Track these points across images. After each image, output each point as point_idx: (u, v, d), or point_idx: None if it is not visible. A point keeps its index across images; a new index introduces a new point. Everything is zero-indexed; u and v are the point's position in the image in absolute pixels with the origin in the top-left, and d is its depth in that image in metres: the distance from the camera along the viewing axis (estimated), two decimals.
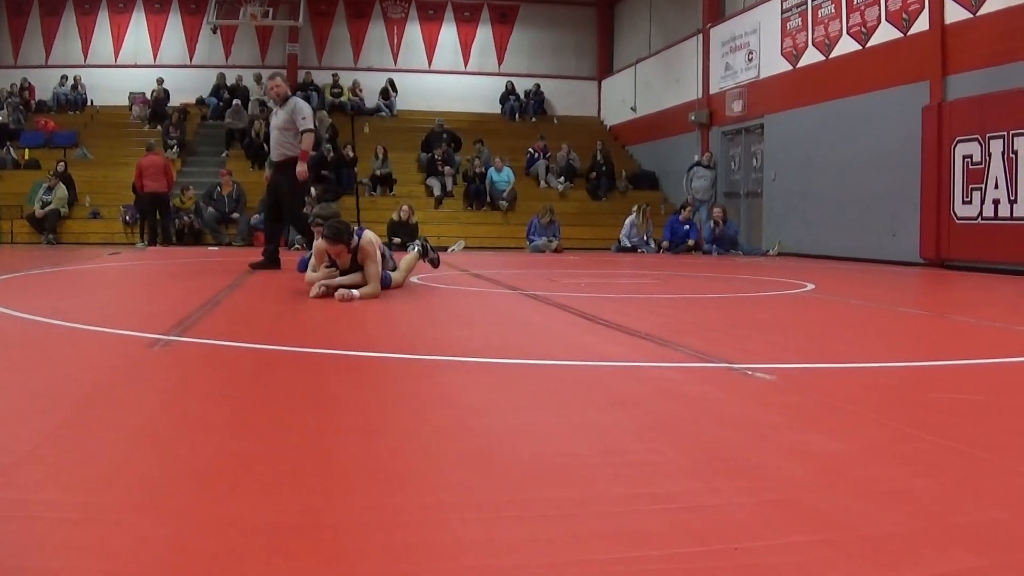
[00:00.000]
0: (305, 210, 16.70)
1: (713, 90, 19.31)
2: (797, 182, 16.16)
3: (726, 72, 18.79)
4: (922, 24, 13.08)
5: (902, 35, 13.54)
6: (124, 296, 7.99)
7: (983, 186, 11.75)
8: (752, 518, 1.94)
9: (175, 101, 22.64)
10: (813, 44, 15.86)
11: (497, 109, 25.37)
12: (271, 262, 9.92)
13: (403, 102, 24.75)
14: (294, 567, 1.63)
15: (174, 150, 20.41)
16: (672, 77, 21.30)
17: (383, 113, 24.47)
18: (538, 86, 25.64)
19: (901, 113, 13.26)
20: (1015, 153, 11.23)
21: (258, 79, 23.46)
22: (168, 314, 5.84)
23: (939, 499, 2.11)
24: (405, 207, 17.12)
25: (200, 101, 23.22)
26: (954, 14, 12.49)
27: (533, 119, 25.16)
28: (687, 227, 17.67)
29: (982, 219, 11.80)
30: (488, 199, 20.08)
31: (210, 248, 16.62)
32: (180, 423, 2.83)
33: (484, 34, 25.91)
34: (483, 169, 20.31)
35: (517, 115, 25.25)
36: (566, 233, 18.04)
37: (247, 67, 23.90)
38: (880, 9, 14.04)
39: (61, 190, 17.89)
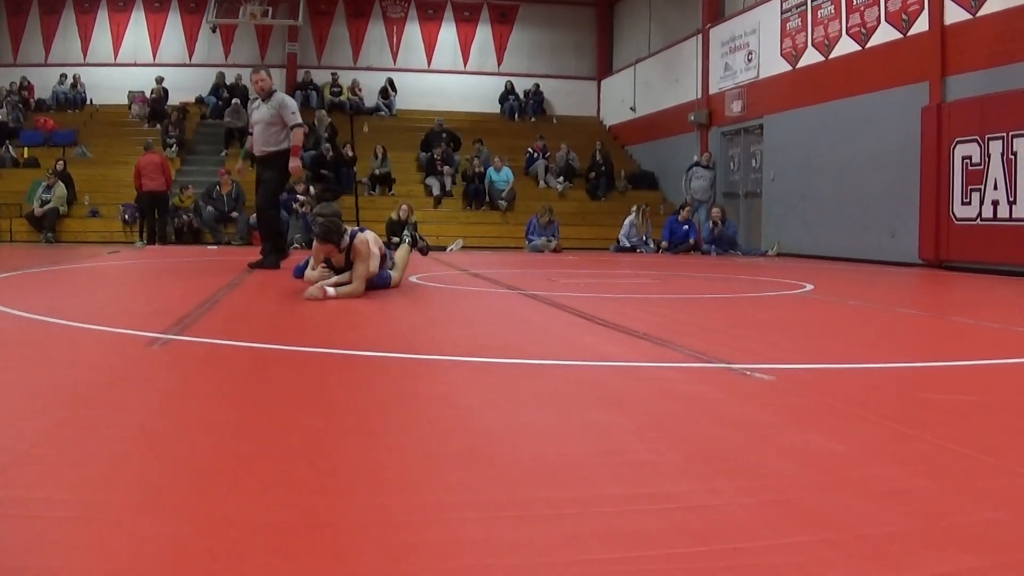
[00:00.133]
0: (303, 209, 16.88)
1: (712, 90, 19.32)
2: (796, 183, 16.17)
3: (725, 72, 18.80)
4: (922, 25, 13.09)
5: (902, 36, 13.55)
6: (123, 295, 7.99)
7: (982, 187, 11.76)
8: (751, 518, 1.94)
9: (174, 100, 22.65)
10: (813, 45, 15.87)
11: (496, 109, 25.38)
12: (268, 263, 9.87)
13: (402, 102, 24.76)
14: (293, 566, 1.63)
15: (173, 149, 20.41)
16: (671, 77, 21.30)
17: (382, 112, 24.48)
18: (537, 86, 25.65)
19: (900, 114, 13.26)
20: (1014, 154, 11.24)
21: None
22: (167, 313, 5.84)
23: (938, 499, 2.11)
24: (404, 206, 17.12)
25: (199, 100, 23.23)
26: (954, 15, 12.50)
27: (532, 119, 25.17)
28: (686, 227, 17.67)
29: (981, 220, 11.81)
30: (487, 199, 20.09)
31: (209, 247, 16.61)
32: (179, 422, 2.83)
33: (484, 34, 25.92)
34: (482, 169, 20.32)
35: (516, 115, 25.26)
36: (565, 233, 18.05)
37: (246, 66, 23.76)
38: (880, 10, 14.05)
39: (60, 189, 17.88)
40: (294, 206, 17.28)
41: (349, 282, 6.78)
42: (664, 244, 17.63)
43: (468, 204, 20.21)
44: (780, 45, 16.84)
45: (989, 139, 11.62)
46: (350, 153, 20.20)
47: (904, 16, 13.48)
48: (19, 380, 3.49)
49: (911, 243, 13.03)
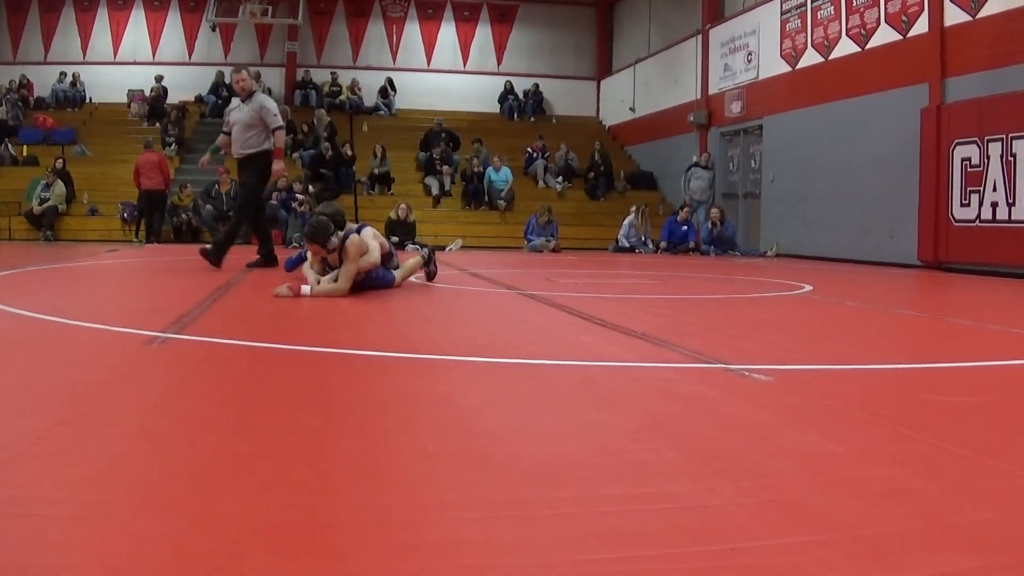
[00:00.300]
0: (302, 208, 16.87)
1: (712, 91, 19.32)
2: (795, 183, 16.17)
3: (725, 73, 18.80)
4: (921, 26, 13.09)
5: (901, 37, 13.55)
6: (122, 293, 7.98)
7: (981, 189, 11.76)
8: (750, 518, 1.95)
9: (174, 99, 22.64)
10: (812, 45, 15.87)
11: (496, 109, 25.38)
12: (267, 262, 9.89)
13: (402, 101, 24.76)
14: (292, 566, 1.63)
15: (172, 148, 20.40)
16: (671, 78, 21.31)
17: (382, 112, 24.48)
18: (537, 86, 25.65)
19: (900, 115, 13.27)
20: (1014, 156, 11.24)
21: (257, 77, 23.42)
22: (166, 311, 5.83)
23: (937, 500, 2.11)
24: (403, 205, 17.12)
25: (199, 99, 23.23)
26: (953, 16, 12.50)
27: (532, 119, 25.17)
28: (685, 228, 17.67)
29: (980, 222, 11.81)
30: (486, 198, 20.09)
31: (208, 246, 16.56)
32: (178, 421, 2.83)
33: (483, 33, 25.92)
34: (481, 168, 20.32)
35: (516, 115, 25.27)
36: (564, 233, 18.05)
37: (246, 65, 23.83)
38: (879, 11, 14.05)
39: (59, 187, 17.88)
40: (293, 205, 17.29)
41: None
42: (663, 244, 17.63)
43: (467, 204, 20.21)
44: (780, 46, 16.84)
45: (988, 141, 11.63)
46: (349, 152, 20.20)
47: (904, 17, 13.48)
48: (18, 378, 3.49)
49: (910, 244, 13.04)
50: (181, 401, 3.16)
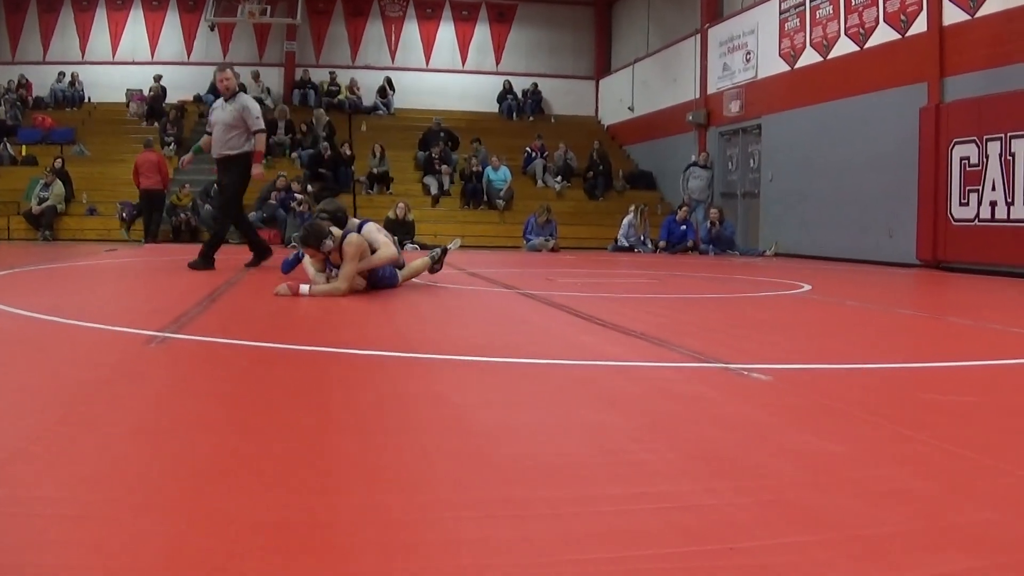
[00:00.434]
0: (301, 208, 16.86)
1: (711, 90, 19.33)
2: (794, 183, 16.17)
3: (724, 72, 18.80)
4: (920, 26, 13.10)
5: (900, 36, 13.56)
6: (121, 293, 7.98)
7: (980, 188, 11.76)
8: (749, 518, 1.94)
9: (172, 98, 22.63)
10: (811, 45, 15.87)
11: (494, 108, 25.39)
12: (261, 255, 9.87)
13: (400, 100, 24.76)
14: (290, 565, 1.63)
15: (171, 147, 20.40)
16: (670, 77, 21.31)
17: (380, 111, 24.48)
18: (536, 85, 25.65)
19: (898, 114, 13.27)
20: (1012, 155, 11.24)
21: (256, 77, 23.45)
22: (164, 311, 5.83)
23: (937, 500, 2.11)
24: (401, 205, 17.11)
25: (197, 98, 23.20)
26: (952, 16, 12.50)
27: (530, 118, 25.18)
28: (684, 227, 17.67)
29: (979, 221, 11.82)
30: (485, 198, 20.09)
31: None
32: (176, 420, 2.83)
33: (482, 33, 25.92)
34: (480, 168, 20.32)
35: (514, 114, 25.27)
36: (562, 232, 18.06)
37: (245, 64, 23.83)
38: (878, 10, 14.05)
39: (58, 187, 17.87)
40: (292, 205, 17.29)
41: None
42: (662, 244, 17.63)
43: (466, 203, 20.21)
44: (778, 45, 16.84)
45: (987, 140, 11.63)
46: (348, 152, 20.20)
47: (902, 17, 13.48)
48: (17, 378, 3.48)
49: (909, 244, 13.04)
50: (180, 400, 3.16)
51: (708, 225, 17.38)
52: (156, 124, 21.54)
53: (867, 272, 11.99)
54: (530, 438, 2.68)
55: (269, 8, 21.23)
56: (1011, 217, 11.29)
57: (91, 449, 2.43)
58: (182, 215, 17.93)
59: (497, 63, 25.95)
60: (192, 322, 5.12)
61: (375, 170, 20.28)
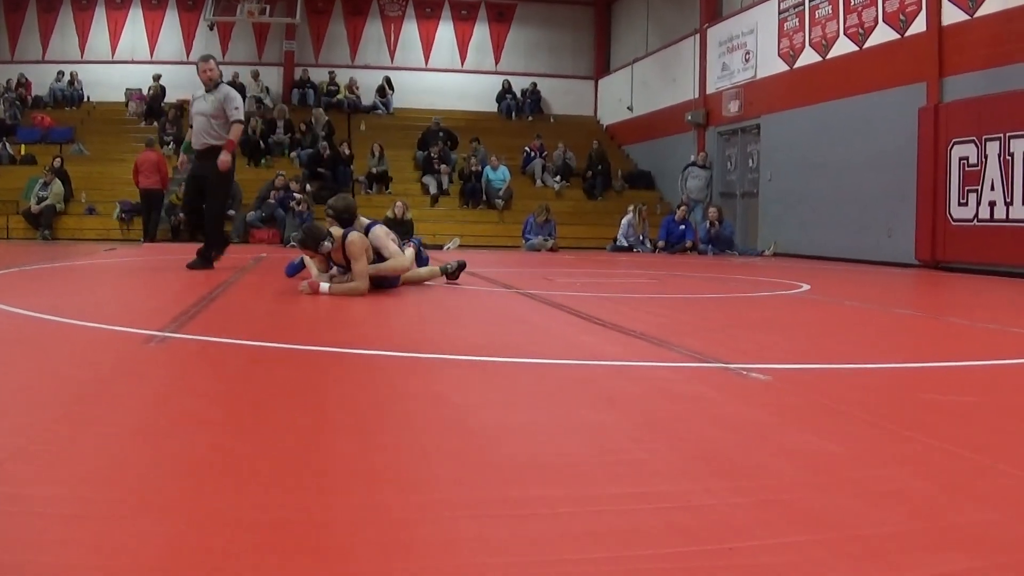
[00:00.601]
0: (300, 207, 16.87)
1: (710, 90, 19.33)
2: (793, 183, 16.18)
3: (723, 72, 18.80)
4: (919, 26, 13.10)
5: (899, 36, 13.56)
6: (119, 292, 7.97)
7: (979, 188, 11.77)
8: (747, 518, 1.94)
9: (171, 97, 22.61)
10: (810, 45, 15.87)
11: (494, 108, 25.39)
12: (208, 257, 9.50)
13: (400, 100, 24.76)
14: (288, 564, 1.63)
15: (170, 147, 20.39)
16: (669, 77, 21.31)
17: (379, 111, 24.48)
18: (535, 85, 25.65)
19: (898, 114, 13.27)
20: (1011, 155, 11.25)
21: (255, 76, 23.46)
22: (163, 310, 5.83)
23: (936, 500, 2.11)
24: (399, 204, 17.10)
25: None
26: (951, 16, 12.51)
27: (529, 118, 25.18)
28: (682, 227, 17.68)
29: (978, 221, 11.82)
30: (484, 197, 20.09)
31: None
32: (175, 419, 2.82)
33: (481, 32, 25.92)
34: (479, 167, 20.32)
35: (513, 114, 25.27)
36: (561, 232, 18.06)
37: (244, 64, 23.90)
38: (877, 10, 14.06)
39: (57, 186, 17.87)
40: (291, 204, 17.29)
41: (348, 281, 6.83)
42: (661, 244, 17.63)
43: (465, 203, 20.20)
44: (778, 45, 16.85)
45: (986, 140, 11.64)
46: (347, 151, 20.21)
47: (902, 17, 13.49)
48: (16, 377, 3.48)
49: (908, 244, 13.05)
50: (179, 400, 3.15)
51: (707, 225, 17.38)
52: (155, 123, 21.53)
53: (866, 272, 11.99)
54: (529, 438, 2.67)
55: (268, 7, 21.23)
56: (1010, 217, 11.30)
57: (90, 448, 2.43)
58: (181, 215, 17.89)
59: (496, 63, 25.96)
60: (191, 321, 5.12)
61: (374, 170, 20.28)
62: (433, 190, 20.49)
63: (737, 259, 15.79)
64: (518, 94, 25.50)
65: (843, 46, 14.98)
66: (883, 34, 13.96)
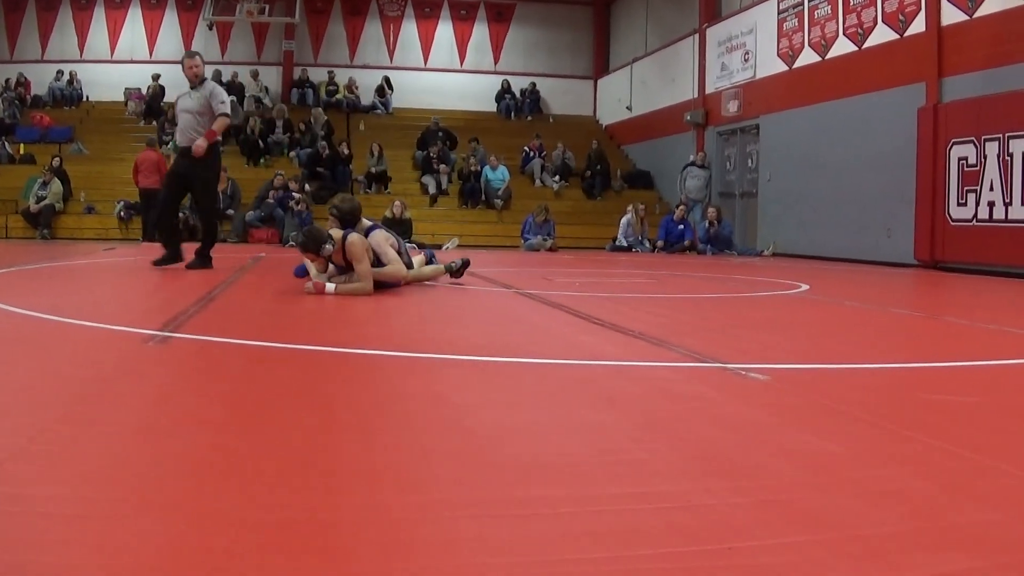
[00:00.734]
0: (299, 207, 16.86)
1: (709, 90, 19.33)
2: (792, 183, 16.18)
3: (722, 72, 18.81)
4: (918, 26, 13.10)
5: (898, 36, 13.56)
6: (119, 292, 7.97)
7: (978, 188, 11.77)
8: (746, 518, 1.95)
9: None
10: (809, 45, 15.88)
11: (493, 107, 25.38)
12: (174, 258, 9.27)
13: (399, 100, 24.75)
14: (291, 564, 1.63)
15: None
16: (668, 77, 21.31)
17: (379, 111, 24.48)
18: (534, 85, 25.65)
19: (897, 115, 13.28)
20: (1010, 155, 11.25)
21: (254, 75, 23.46)
22: (163, 310, 5.84)
23: (936, 500, 2.12)
24: (397, 203, 17.10)
25: None
26: (950, 16, 12.51)
27: (529, 118, 25.17)
28: (681, 227, 17.68)
29: (977, 221, 11.83)
30: (483, 197, 20.08)
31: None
32: (176, 419, 2.83)
33: (480, 32, 25.91)
34: (478, 167, 20.31)
35: (513, 114, 25.27)
36: (560, 232, 18.05)
37: (243, 63, 23.91)
38: (876, 10, 14.06)
39: (56, 185, 17.86)
40: (290, 204, 17.28)
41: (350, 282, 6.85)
42: (660, 244, 17.63)
43: (464, 203, 20.20)
44: (777, 45, 16.85)
45: (985, 140, 11.64)
46: (346, 151, 20.20)
47: (901, 17, 13.49)
48: (16, 377, 3.48)
49: (907, 244, 13.05)
50: (179, 399, 3.16)
51: (706, 225, 17.39)
52: (154, 123, 21.52)
53: (865, 272, 12.00)
54: (530, 438, 2.68)
55: (267, 7, 21.22)
56: (1009, 217, 11.30)
57: (91, 448, 2.43)
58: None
59: (495, 62, 25.95)
60: (190, 321, 5.12)
61: (373, 169, 20.28)
62: (432, 190, 20.48)
63: (736, 259, 15.79)
64: (517, 94, 25.50)
65: (842, 46, 14.98)
66: (882, 34, 13.96)
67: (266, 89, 23.71)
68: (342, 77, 24.49)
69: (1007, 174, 11.31)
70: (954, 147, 12.19)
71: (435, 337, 5.06)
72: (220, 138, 9.34)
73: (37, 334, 4.71)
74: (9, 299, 6.01)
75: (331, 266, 7.05)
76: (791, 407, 3.17)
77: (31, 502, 1.95)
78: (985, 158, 11.66)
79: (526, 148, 22.02)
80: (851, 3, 14.72)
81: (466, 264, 8.40)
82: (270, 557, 1.67)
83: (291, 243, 15.56)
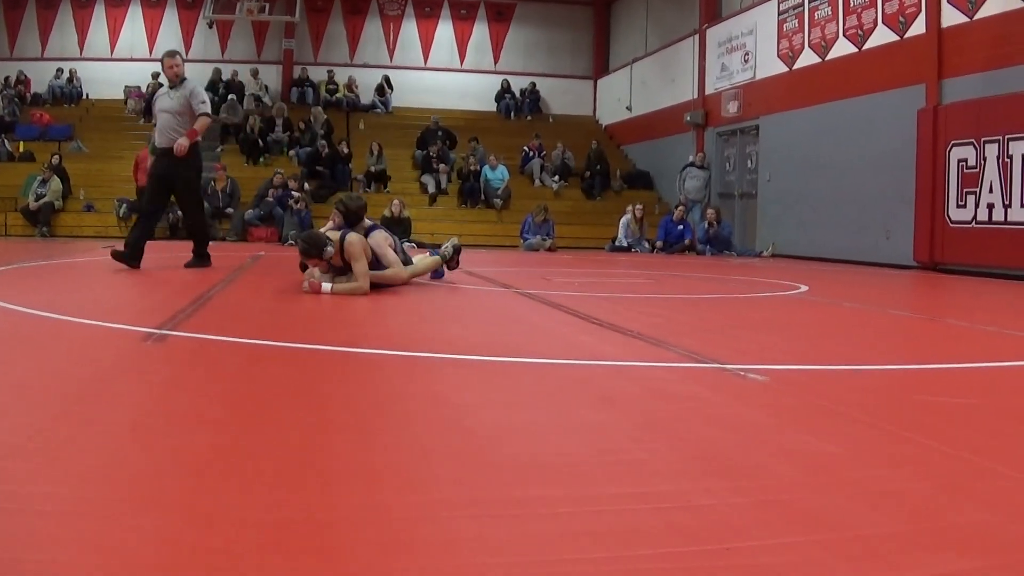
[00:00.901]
0: (299, 206, 16.86)
1: (709, 91, 19.33)
2: (792, 183, 16.18)
3: (722, 73, 18.80)
4: (918, 27, 13.10)
5: (898, 38, 13.56)
6: (118, 290, 7.96)
7: (977, 190, 11.77)
8: (745, 518, 1.95)
9: None
10: (809, 46, 15.88)
11: (492, 107, 25.38)
12: (133, 258, 8.97)
13: (398, 99, 24.75)
14: (287, 563, 1.63)
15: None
16: (668, 77, 21.31)
17: (378, 110, 24.47)
18: (534, 84, 25.65)
19: (896, 116, 13.28)
20: (1010, 157, 11.26)
21: (254, 74, 23.45)
22: (161, 308, 5.83)
23: (934, 501, 2.12)
24: (396, 202, 17.10)
25: None
26: (950, 18, 12.51)
27: (528, 117, 25.17)
28: (680, 227, 17.68)
29: (976, 223, 11.83)
30: (482, 197, 20.07)
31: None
32: (174, 418, 2.82)
33: (480, 32, 25.91)
34: (478, 167, 20.31)
35: (512, 113, 25.26)
36: (559, 232, 18.04)
37: (243, 62, 23.90)
38: (876, 12, 14.06)
39: (55, 183, 17.85)
40: (290, 203, 17.28)
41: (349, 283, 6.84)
42: (659, 244, 17.62)
43: (463, 202, 20.19)
44: (777, 46, 16.85)
45: (985, 142, 11.64)
46: (345, 150, 20.19)
47: (901, 18, 13.49)
48: (13, 375, 3.48)
49: (906, 245, 13.05)
50: (177, 398, 3.15)
51: (705, 225, 17.39)
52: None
53: (864, 273, 12.00)
54: (528, 437, 2.68)
55: (267, 5, 21.21)
56: (1008, 219, 11.31)
57: (88, 446, 2.43)
58: (178, 212, 17.87)
59: (495, 62, 25.95)
60: (189, 319, 5.12)
61: (372, 168, 20.27)
62: (431, 189, 20.48)
63: (735, 260, 15.80)
64: (517, 94, 25.49)
65: (842, 47, 14.98)
66: (882, 36, 13.96)
67: (266, 88, 23.71)
68: (342, 76, 24.49)
69: (1007, 176, 11.31)
70: (954, 149, 12.19)
71: (434, 337, 5.06)
72: (200, 138, 9.25)
73: (35, 332, 4.71)
74: (8, 297, 6.01)
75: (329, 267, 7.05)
76: (790, 408, 3.17)
77: (28, 500, 1.94)
78: (985, 160, 11.66)
79: (526, 148, 22.02)
80: (851, 4, 14.72)
81: (458, 249, 8.37)
82: (268, 557, 1.66)
83: (290, 242, 15.57)
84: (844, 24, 14.91)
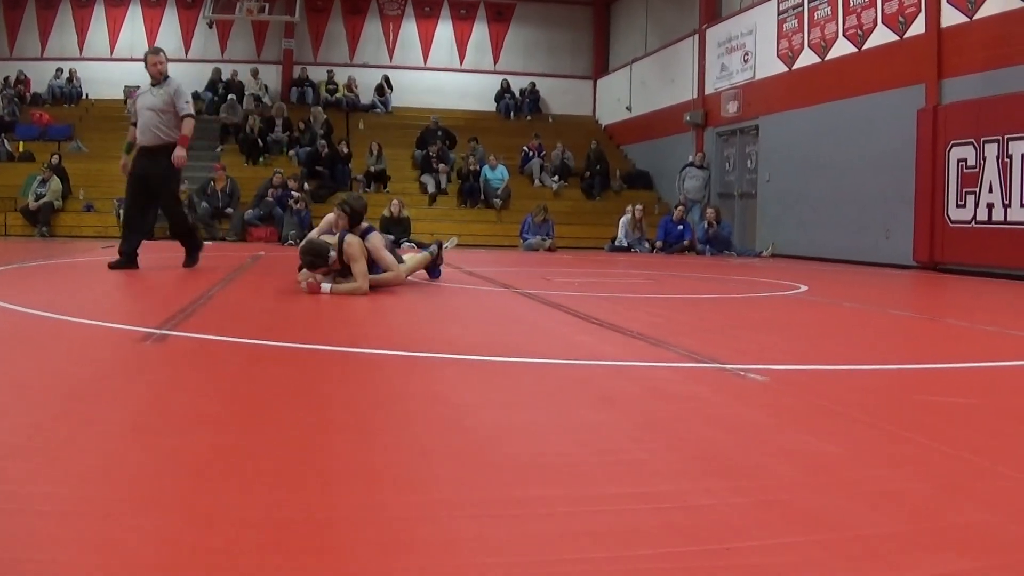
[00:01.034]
0: (298, 206, 16.85)
1: (708, 91, 19.33)
2: (792, 183, 16.18)
3: (722, 73, 18.80)
4: (918, 27, 13.10)
5: (898, 38, 13.56)
6: (117, 290, 7.96)
7: (977, 190, 11.77)
8: (745, 518, 1.95)
9: None
10: (809, 46, 15.87)
11: (492, 107, 25.38)
12: (130, 261, 9.08)
13: (398, 99, 24.75)
14: (286, 562, 1.63)
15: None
16: (668, 77, 21.31)
17: (378, 110, 24.47)
18: (533, 84, 25.65)
19: (896, 116, 13.28)
20: (1009, 157, 11.26)
21: (254, 74, 23.44)
22: (161, 308, 5.83)
23: (934, 501, 2.12)
24: (395, 202, 17.10)
25: (195, 96, 23.07)
26: (950, 18, 12.51)
27: (528, 117, 25.16)
28: (680, 227, 17.68)
29: (976, 223, 11.83)
30: (482, 197, 20.07)
31: (203, 243, 16.53)
32: (173, 418, 2.82)
33: (480, 32, 25.91)
34: (477, 167, 20.31)
35: (512, 113, 25.26)
36: (559, 232, 18.04)
37: (243, 62, 23.89)
38: (876, 12, 14.06)
39: (55, 183, 17.85)
40: (289, 203, 17.28)
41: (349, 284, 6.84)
42: (659, 244, 17.62)
43: (463, 202, 20.19)
44: (776, 46, 16.85)
45: (984, 142, 11.64)
46: (345, 150, 20.19)
47: (901, 18, 13.49)
48: (13, 374, 3.48)
49: (906, 245, 13.05)
50: (176, 398, 3.15)
51: (705, 225, 17.38)
52: None
53: (864, 273, 12.00)
54: (528, 437, 2.68)
55: (267, 5, 21.21)
56: (1008, 219, 11.31)
57: (88, 446, 2.43)
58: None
59: (495, 62, 25.94)
60: (188, 319, 5.12)
61: (372, 168, 20.27)
62: (431, 189, 20.48)
63: (735, 259, 15.80)
64: (517, 94, 25.49)
65: (842, 47, 14.98)
66: (882, 36, 13.96)
67: (265, 87, 23.70)
68: (342, 76, 24.48)
69: (1006, 176, 11.31)
70: (953, 149, 12.19)
71: (434, 337, 5.06)
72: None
73: (35, 332, 4.71)
74: (7, 296, 6.01)
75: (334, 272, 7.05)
76: (789, 408, 3.17)
77: (27, 500, 1.94)
78: (984, 160, 11.66)
79: (525, 148, 22.01)
80: (851, 4, 14.71)
81: (440, 244, 8.42)
82: (268, 556, 1.66)
83: (290, 242, 15.57)
84: (844, 24, 14.91)
